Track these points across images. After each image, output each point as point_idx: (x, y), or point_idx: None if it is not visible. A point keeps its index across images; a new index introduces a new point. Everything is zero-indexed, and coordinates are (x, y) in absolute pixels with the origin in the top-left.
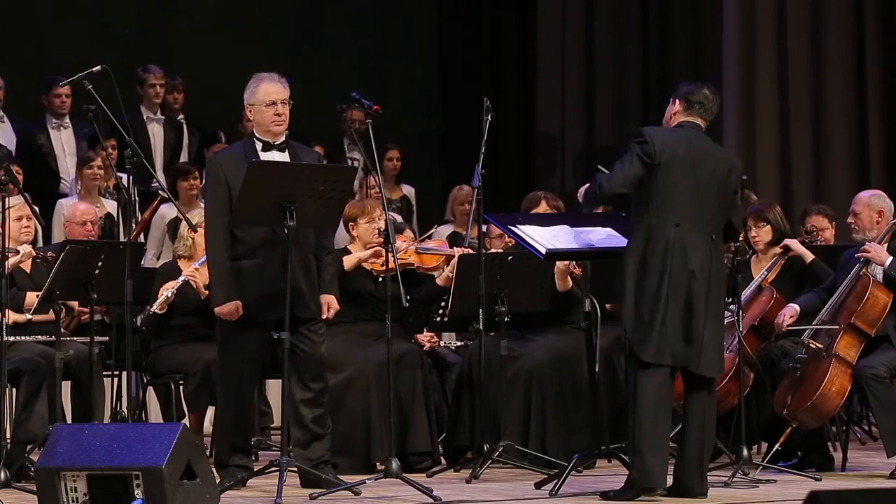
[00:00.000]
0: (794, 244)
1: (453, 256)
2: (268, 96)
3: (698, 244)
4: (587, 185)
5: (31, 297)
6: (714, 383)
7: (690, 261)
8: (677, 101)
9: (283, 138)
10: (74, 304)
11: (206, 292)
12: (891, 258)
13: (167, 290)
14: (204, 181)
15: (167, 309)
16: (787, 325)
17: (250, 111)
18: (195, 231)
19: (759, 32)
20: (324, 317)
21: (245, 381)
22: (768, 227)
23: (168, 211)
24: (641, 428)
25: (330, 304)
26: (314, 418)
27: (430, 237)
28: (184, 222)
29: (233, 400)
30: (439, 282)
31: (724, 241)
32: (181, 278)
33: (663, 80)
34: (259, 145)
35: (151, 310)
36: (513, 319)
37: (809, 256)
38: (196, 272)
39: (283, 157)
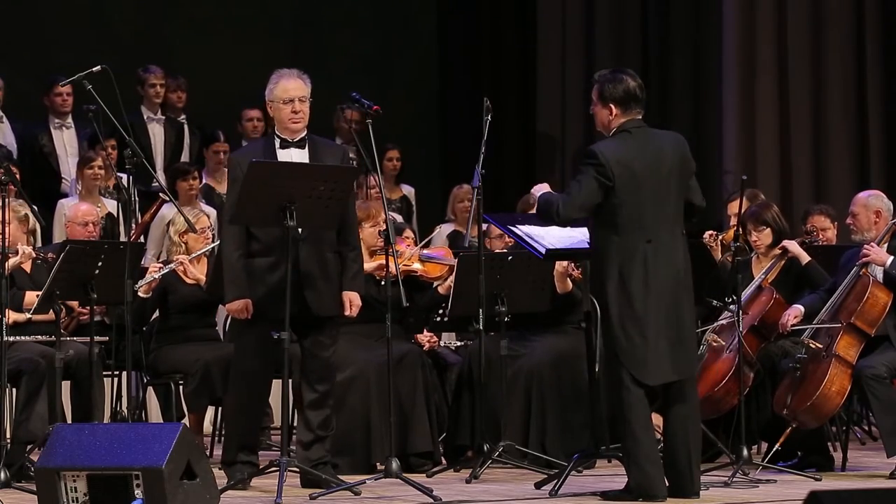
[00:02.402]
0: (792, 245)
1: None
2: (286, 93)
3: (671, 251)
4: (541, 193)
5: (31, 297)
6: (695, 381)
7: (668, 272)
8: (612, 105)
9: (302, 135)
10: (74, 304)
11: (202, 278)
12: (891, 258)
13: (154, 273)
14: (204, 181)
15: (162, 310)
16: (792, 325)
17: (270, 108)
18: (195, 232)
19: (759, 32)
20: (346, 314)
21: (256, 378)
22: (767, 229)
23: (168, 211)
24: (635, 440)
25: (352, 300)
26: (318, 420)
27: (430, 241)
28: (172, 227)
29: (244, 396)
30: (442, 290)
31: (686, 220)
32: (171, 265)
33: (663, 80)
34: (278, 142)
35: (136, 287)
36: (513, 319)
37: (806, 258)
38: (189, 263)
39: (303, 153)
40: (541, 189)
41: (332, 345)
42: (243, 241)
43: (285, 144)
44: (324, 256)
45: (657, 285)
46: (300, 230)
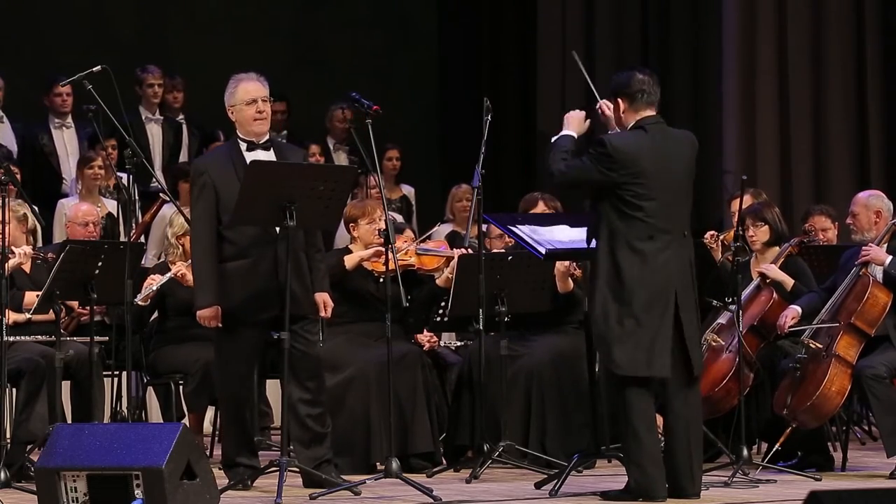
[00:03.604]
0: (773, 272)
1: (453, 258)
2: (247, 94)
3: (674, 250)
4: (563, 134)
5: (31, 297)
6: (698, 381)
7: (668, 271)
8: (618, 99)
9: (266, 137)
10: (74, 304)
11: None
12: (890, 257)
13: (152, 284)
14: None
15: (161, 311)
16: (790, 327)
17: (232, 112)
18: None
19: (759, 32)
20: (322, 315)
21: (243, 381)
22: (766, 227)
23: (168, 211)
24: (637, 441)
25: (325, 301)
26: (313, 418)
27: (429, 237)
28: (170, 228)
29: (233, 400)
30: (439, 282)
31: None
32: (168, 275)
33: (663, 80)
34: (244, 145)
35: (135, 301)
36: (513, 319)
37: (790, 283)
38: (187, 270)
39: (269, 155)
40: (571, 120)
41: (316, 341)
42: (215, 247)
43: (252, 147)
44: (297, 256)
45: (652, 282)
46: (277, 229)
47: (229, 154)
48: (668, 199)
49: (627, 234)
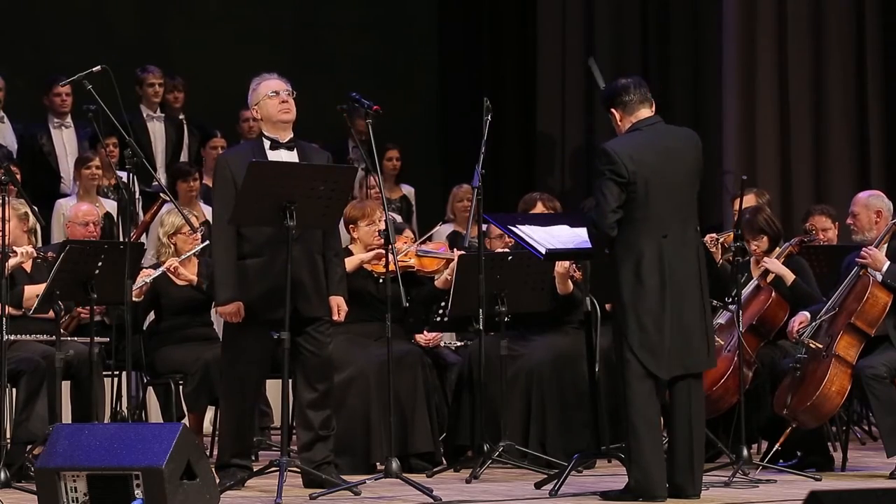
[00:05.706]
0: (774, 265)
1: (453, 260)
2: (269, 88)
3: (686, 248)
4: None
5: (29, 291)
6: (702, 379)
7: (682, 267)
8: (613, 111)
9: (290, 135)
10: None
11: (194, 279)
12: (888, 263)
13: (145, 277)
14: (203, 181)
15: (157, 312)
16: (798, 331)
17: (256, 111)
18: (195, 231)
19: (759, 33)
20: (335, 318)
21: (250, 381)
22: (764, 237)
23: (163, 211)
24: (638, 439)
25: (339, 305)
26: (319, 420)
27: (430, 238)
28: (161, 228)
29: (237, 400)
30: (438, 284)
31: None
32: (160, 269)
33: (663, 80)
34: (267, 144)
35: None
36: (513, 319)
37: (790, 278)
38: (179, 265)
39: (292, 155)
40: None
41: (329, 343)
42: (234, 242)
43: (275, 146)
44: (313, 257)
45: (673, 280)
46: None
47: (253, 152)
48: (672, 196)
49: (643, 238)
